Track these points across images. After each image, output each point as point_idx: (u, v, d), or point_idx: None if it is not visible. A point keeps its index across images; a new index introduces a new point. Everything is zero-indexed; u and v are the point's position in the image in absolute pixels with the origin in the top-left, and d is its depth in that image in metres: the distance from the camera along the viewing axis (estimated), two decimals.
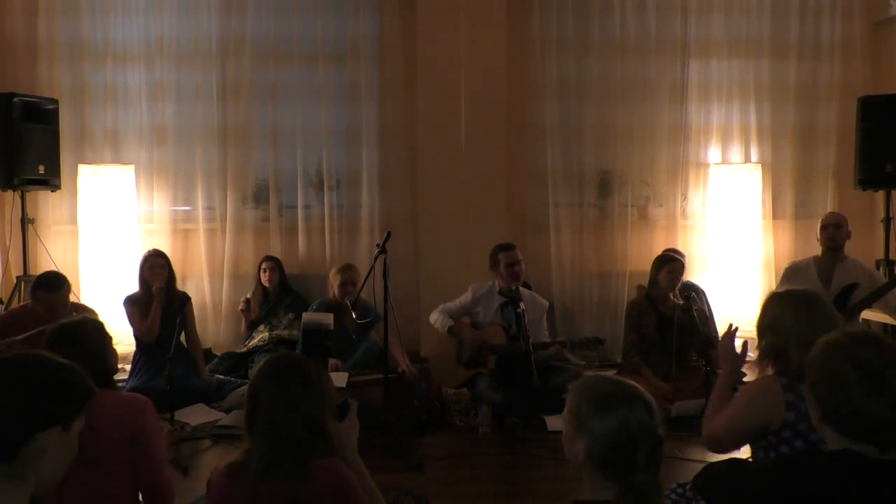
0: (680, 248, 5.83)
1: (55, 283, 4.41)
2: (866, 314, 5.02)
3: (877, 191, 5.65)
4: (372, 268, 4.32)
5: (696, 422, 4.17)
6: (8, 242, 5.68)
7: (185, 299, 5.01)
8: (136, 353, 4.97)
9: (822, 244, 4.77)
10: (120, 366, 5.15)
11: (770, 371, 2.30)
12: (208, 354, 5.42)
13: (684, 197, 6.18)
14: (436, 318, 4.87)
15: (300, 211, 5.98)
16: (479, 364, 4.71)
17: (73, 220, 5.75)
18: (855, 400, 1.57)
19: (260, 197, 6.12)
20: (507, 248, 4.86)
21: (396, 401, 4.26)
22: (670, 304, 4.79)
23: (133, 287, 5.02)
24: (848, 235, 4.74)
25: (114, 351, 2.45)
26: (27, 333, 4.03)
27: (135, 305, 4.88)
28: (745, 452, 2.52)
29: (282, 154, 5.98)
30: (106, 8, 5.76)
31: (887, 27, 6.11)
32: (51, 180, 5.43)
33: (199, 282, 5.86)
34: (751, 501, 1.71)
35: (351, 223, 6.02)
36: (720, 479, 2.40)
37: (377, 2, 5.92)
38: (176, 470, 3.56)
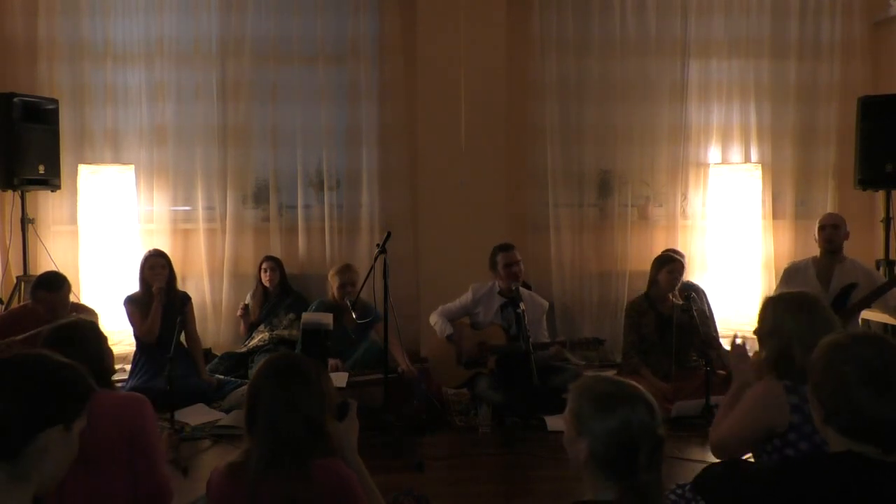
0: (680, 248, 5.83)
1: (55, 283, 4.41)
2: (866, 314, 5.02)
3: (877, 191, 5.64)
4: (372, 268, 4.32)
5: (696, 422, 4.20)
6: (8, 242, 5.68)
7: (185, 299, 5.01)
8: (136, 353, 4.97)
9: (820, 245, 4.77)
10: (120, 366, 5.17)
11: (773, 375, 2.30)
12: (208, 354, 5.41)
13: (684, 197, 6.18)
14: (435, 320, 4.87)
15: (300, 211, 5.98)
16: (479, 364, 4.71)
17: (73, 220, 5.75)
18: (858, 400, 1.57)
19: (260, 197, 6.12)
20: (506, 248, 4.86)
21: (396, 401, 4.26)
22: (669, 304, 4.79)
23: (133, 287, 5.02)
24: (846, 236, 4.74)
25: (110, 351, 2.45)
26: (27, 333, 4.02)
27: (135, 305, 4.88)
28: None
29: (282, 154, 5.98)
30: (106, 8, 5.76)
31: (887, 27, 6.11)
32: (51, 180, 5.43)
33: (199, 282, 5.86)
34: (752, 502, 1.71)
35: (351, 223, 6.02)
36: (720, 480, 2.41)
37: (377, 2, 5.92)
38: (176, 470, 3.56)
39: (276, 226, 5.98)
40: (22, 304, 4.95)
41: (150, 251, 5.00)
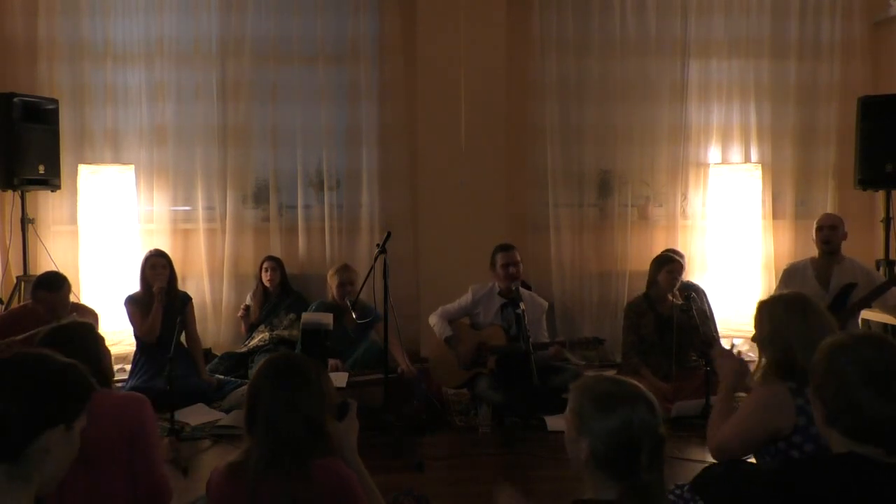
0: (680, 248, 5.83)
1: (55, 283, 4.41)
2: (866, 314, 5.02)
3: (877, 191, 5.64)
4: (372, 268, 4.32)
5: (697, 422, 4.20)
6: (8, 242, 5.67)
7: (186, 299, 5.01)
8: (136, 353, 4.97)
9: (818, 246, 4.77)
10: (120, 366, 5.17)
11: (777, 378, 2.30)
12: (208, 354, 5.41)
13: (684, 197, 6.18)
14: (435, 322, 4.87)
15: (300, 211, 5.98)
16: (479, 364, 4.71)
17: (73, 220, 5.75)
18: (859, 401, 1.57)
19: (260, 197, 6.11)
20: (506, 248, 4.86)
21: (396, 401, 4.25)
22: (669, 304, 4.79)
23: (133, 287, 5.02)
24: (844, 236, 4.75)
25: (108, 352, 2.45)
26: (27, 333, 4.02)
27: (136, 305, 4.88)
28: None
29: (282, 154, 5.98)
30: (106, 8, 5.76)
31: (887, 27, 6.11)
32: (51, 180, 5.43)
33: (199, 282, 5.86)
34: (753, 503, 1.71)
35: (351, 223, 6.01)
36: (720, 481, 2.40)
37: (377, 2, 5.92)
38: (176, 470, 3.56)
39: (276, 226, 5.97)
40: (22, 304, 4.95)
41: (151, 251, 5.00)
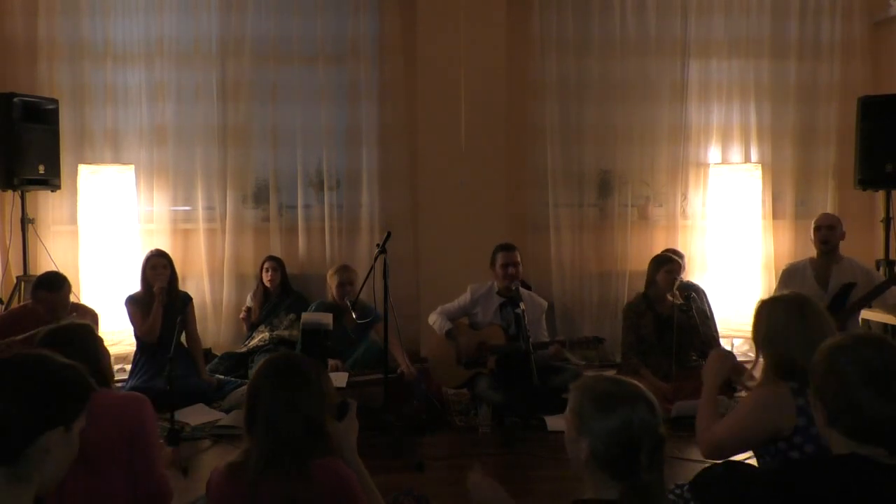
0: (680, 248, 5.84)
1: (55, 284, 4.41)
2: (866, 314, 5.03)
3: (877, 191, 5.64)
4: (372, 268, 4.32)
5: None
6: (8, 242, 5.67)
7: (186, 300, 5.02)
8: (136, 353, 4.97)
9: (816, 246, 4.78)
10: (120, 366, 5.18)
11: (777, 378, 2.29)
12: (208, 354, 5.42)
13: (684, 197, 6.18)
14: (434, 319, 4.87)
15: (300, 211, 5.98)
16: (479, 364, 4.71)
17: (73, 220, 5.75)
18: (861, 401, 1.56)
19: (260, 197, 6.11)
20: (506, 248, 4.86)
21: (396, 401, 4.26)
22: (668, 304, 4.78)
23: (133, 287, 5.02)
24: (842, 236, 4.76)
25: (107, 352, 2.45)
26: (27, 333, 4.02)
27: (136, 305, 4.88)
28: (741, 455, 2.51)
29: (282, 154, 5.98)
30: (106, 8, 5.76)
31: (887, 27, 6.11)
32: (51, 180, 5.43)
33: (199, 282, 5.86)
34: None
35: (351, 223, 6.02)
36: (719, 482, 2.39)
37: (377, 2, 5.92)
38: (176, 470, 3.56)
39: (276, 226, 5.98)
40: (22, 304, 4.95)
41: (151, 251, 5.00)
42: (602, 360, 5.79)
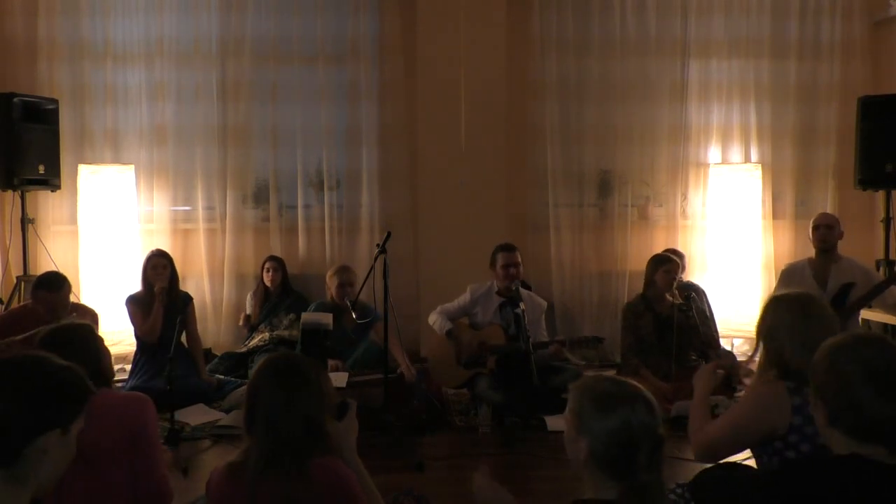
0: (680, 248, 5.84)
1: (55, 284, 4.41)
2: (866, 315, 5.03)
3: (877, 191, 5.64)
4: (372, 268, 4.32)
5: None
6: (8, 242, 5.67)
7: (187, 300, 5.02)
8: (136, 353, 4.97)
9: (814, 245, 4.80)
10: (120, 366, 5.17)
11: (772, 376, 2.30)
12: (208, 354, 5.42)
13: (684, 197, 6.18)
14: (434, 319, 4.88)
15: (300, 211, 5.98)
16: (479, 364, 4.71)
17: (73, 220, 5.75)
18: (861, 400, 1.57)
19: (260, 197, 6.11)
20: (507, 248, 4.86)
21: (396, 401, 4.25)
22: (667, 304, 4.78)
23: (133, 287, 5.02)
24: (840, 236, 4.77)
25: (107, 351, 2.45)
26: (27, 333, 4.02)
27: (137, 305, 4.88)
28: (740, 456, 2.51)
29: (282, 154, 5.98)
30: (106, 8, 5.76)
31: (887, 27, 6.11)
32: (51, 180, 5.43)
33: (199, 282, 5.86)
34: None
35: (351, 223, 6.01)
36: (719, 483, 2.39)
37: (377, 2, 5.92)
38: (176, 470, 3.56)
39: (276, 226, 5.98)
40: (22, 304, 4.95)
41: (152, 251, 5.00)
42: (602, 360, 5.78)
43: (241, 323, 5.64)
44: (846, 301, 4.51)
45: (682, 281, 5.28)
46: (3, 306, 5.31)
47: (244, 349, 5.40)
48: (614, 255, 6.11)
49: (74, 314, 4.36)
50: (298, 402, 1.95)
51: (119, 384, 4.74)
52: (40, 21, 5.70)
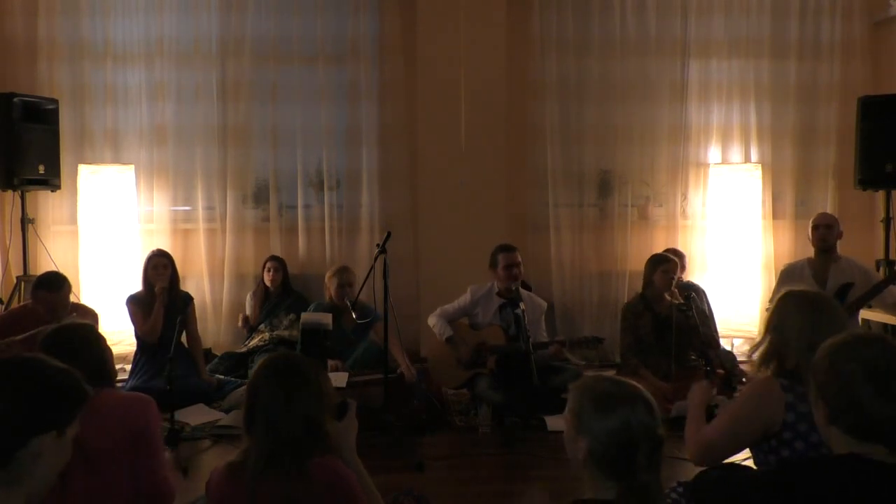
0: (680, 248, 5.83)
1: (55, 284, 4.41)
2: (866, 315, 5.04)
3: (877, 191, 5.64)
4: (372, 268, 4.32)
5: None
6: (8, 242, 5.67)
7: (187, 300, 5.02)
8: (136, 353, 4.97)
9: (813, 245, 4.80)
10: (119, 366, 5.17)
11: (769, 372, 2.30)
12: (208, 354, 5.42)
13: (684, 197, 6.18)
14: (434, 322, 4.87)
15: (300, 211, 5.98)
16: (479, 364, 4.71)
17: (73, 220, 5.75)
18: (862, 399, 1.57)
19: (260, 197, 6.11)
20: (508, 249, 4.86)
21: (396, 401, 4.26)
22: (666, 304, 4.78)
23: (133, 287, 5.02)
24: (839, 235, 4.78)
25: (110, 351, 2.45)
26: (27, 333, 4.03)
27: (137, 305, 4.88)
28: (739, 457, 2.51)
29: (282, 154, 5.98)
30: (106, 8, 5.76)
31: (887, 27, 6.11)
32: (51, 180, 5.43)
33: (199, 282, 5.86)
34: None
35: (351, 223, 6.01)
36: (718, 484, 2.39)
37: (377, 2, 5.92)
38: (176, 470, 3.56)
39: (276, 226, 5.98)
40: (22, 304, 4.95)
41: (153, 251, 5.01)
42: (602, 360, 5.79)
43: (239, 324, 5.64)
44: (845, 301, 4.51)
45: (682, 281, 5.29)
46: (3, 306, 5.31)
47: (244, 349, 5.40)
48: (614, 255, 6.11)
49: (74, 314, 4.36)
50: (298, 401, 1.95)
51: (119, 384, 4.72)
52: (40, 21, 5.70)
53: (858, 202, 5.99)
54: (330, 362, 4.65)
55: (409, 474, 3.61)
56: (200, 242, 5.91)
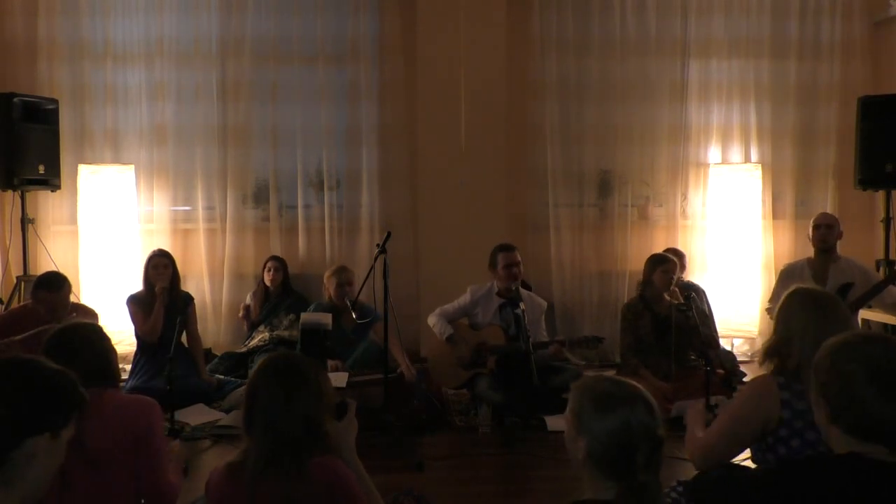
0: (680, 248, 5.83)
1: (56, 284, 4.41)
2: (866, 315, 5.04)
3: (877, 191, 5.65)
4: (372, 268, 4.32)
5: None
6: (8, 242, 5.68)
7: (188, 300, 5.01)
8: (136, 353, 4.97)
9: (814, 244, 4.81)
10: (120, 366, 5.16)
11: (768, 367, 2.31)
12: (208, 354, 5.42)
13: (684, 197, 6.18)
14: (434, 322, 4.87)
15: (300, 211, 5.98)
16: (479, 364, 4.71)
17: (73, 220, 5.75)
18: (864, 398, 1.57)
19: (260, 197, 6.11)
20: (507, 248, 4.86)
21: (396, 401, 4.26)
22: (666, 304, 4.78)
23: (133, 287, 5.02)
24: (840, 235, 4.78)
25: (114, 350, 2.45)
26: (27, 333, 4.03)
27: (138, 305, 4.88)
28: (738, 458, 2.51)
29: (282, 154, 5.98)
30: (106, 8, 5.76)
31: (887, 27, 6.11)
32: (51, 180, 5.43)
33: (199, 282, 5.86)
34: None
35: (351, 223, 6.02)
36: (717, 484, 2.39)
37: (377, 2, 5.92)
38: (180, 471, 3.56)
39: (276, 226, 5.98)
40: (22, 304, 4.95)
41: (154, 251, 5.00)
42: (602, 360, 5.79)
43: (240, 314, 5.62)
44: (845, 301, 4.51)
45: (682, 281, 5.28)
46: (3, 306, 5.31)
47: (244, 349, 5.40)
48: (614, 255, 6.11)
49: (75, 314, 4.36)
50: (298, 401, 1.95)
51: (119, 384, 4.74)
52: (40, 21, 5.71)
53: (858, 202, 6.00)
54: (330, 362, 4.65)
55: (409, 474, 3.61)
56: (200, 242, 5.91)
